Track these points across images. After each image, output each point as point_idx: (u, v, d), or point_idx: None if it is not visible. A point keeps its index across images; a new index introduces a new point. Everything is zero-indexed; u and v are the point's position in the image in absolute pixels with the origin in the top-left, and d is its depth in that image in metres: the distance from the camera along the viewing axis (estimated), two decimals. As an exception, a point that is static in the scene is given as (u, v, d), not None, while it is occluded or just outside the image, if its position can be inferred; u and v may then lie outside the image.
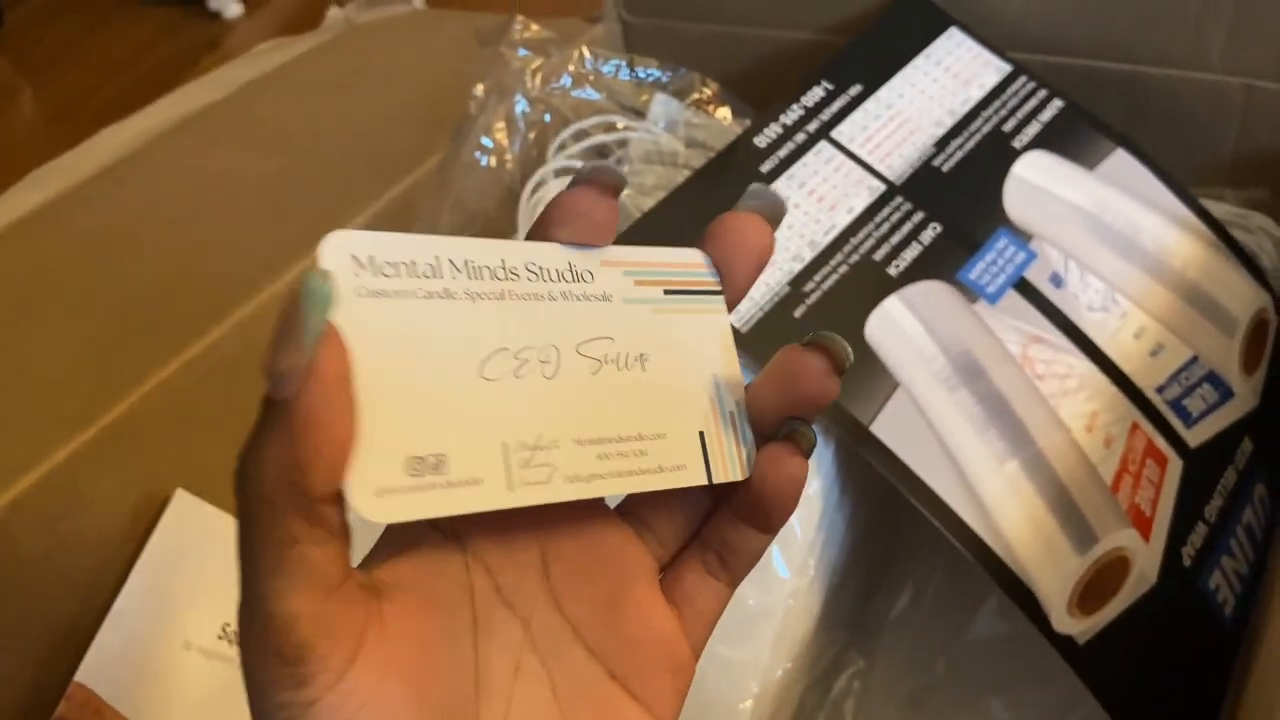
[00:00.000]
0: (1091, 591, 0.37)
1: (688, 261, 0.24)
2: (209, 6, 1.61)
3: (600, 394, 0.22)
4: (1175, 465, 0.41)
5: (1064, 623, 0.36)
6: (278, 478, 0.17)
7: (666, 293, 0.23)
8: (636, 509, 0.24)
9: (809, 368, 0.22)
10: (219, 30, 1.60)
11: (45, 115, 1.46)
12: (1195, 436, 0.42)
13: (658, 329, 0.23)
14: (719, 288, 0.24)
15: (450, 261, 0.21)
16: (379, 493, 0.18)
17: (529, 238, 0.23)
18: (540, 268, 0.22)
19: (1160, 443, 0.41)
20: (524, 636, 0.22)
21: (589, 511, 0.23)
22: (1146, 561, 0.38)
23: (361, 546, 0.21)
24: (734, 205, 0.24)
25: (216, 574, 0.41)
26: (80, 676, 0.38)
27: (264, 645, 0.18)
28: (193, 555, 0.41)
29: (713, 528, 0.24)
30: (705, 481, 0.23)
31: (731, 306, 0.24)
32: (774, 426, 0.23)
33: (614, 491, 0.22)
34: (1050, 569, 0.36)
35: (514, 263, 0.22)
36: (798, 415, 0.23)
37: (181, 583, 0.40)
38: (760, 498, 0.23)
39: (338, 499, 0.18)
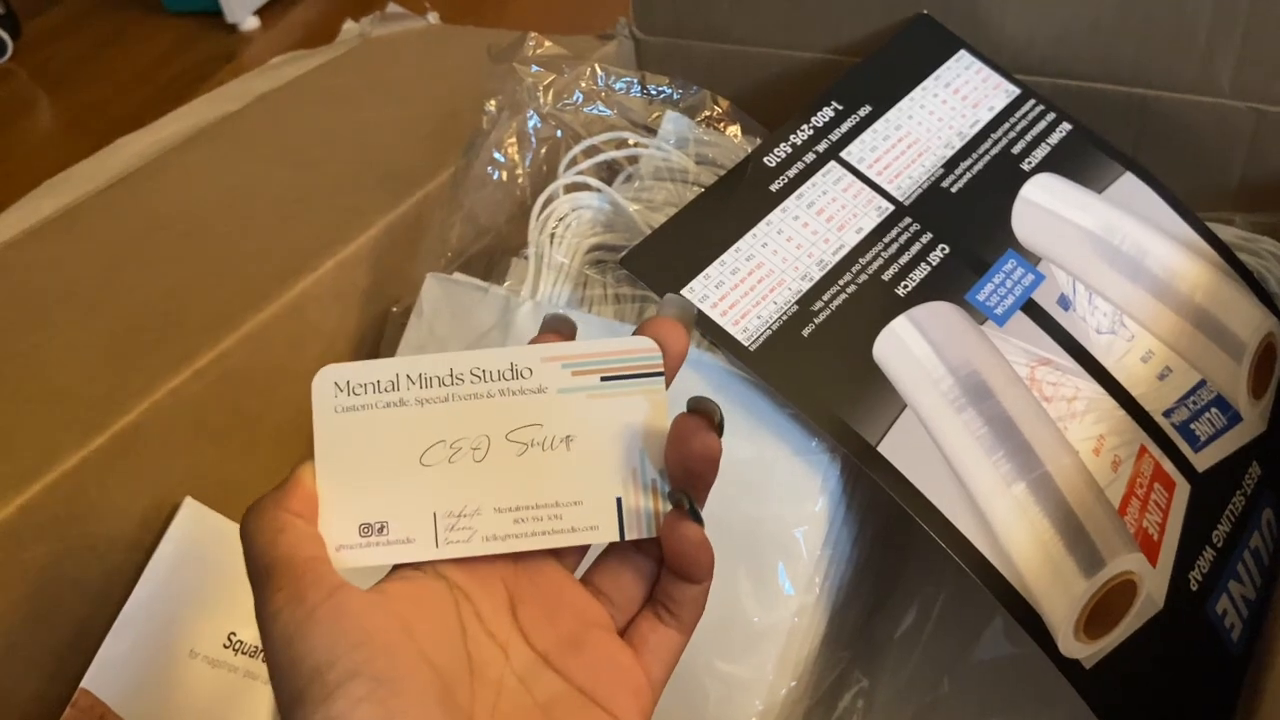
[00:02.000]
0: (1098, 615, 0.36)
1: (634, 348, 0.28)
2: (226, 19, 1.62)
3: (523, 471, 0.27)
4: (1183, 489, 0.41)
5: (1070, 646, 0.35)
6: (270, 503, 0.26)
7: (603, 379, 0.28)
8: (593, 578, 0.29)
9: (690, 429, 0.27)
10: (235, 43, 1.61)
11: (62, 125, 1.48)
12: (1203, 461, 0.42)
13: (587, 412, 0.28)
14: (659, 369, 0.28)
15: (407, 377, 0.27)
16: (338, 548, 0.26)
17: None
18: (484, 371, 0.28)
19: (1168, 466, 0.41)
20: (504, 658, 0.26)
21: (549, 571, 0.28)
22: (1153, 586, 0.38)
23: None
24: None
25: (223, 583, 0.41)
26: (87, 683, 0.38)
27: (269, 586, 0.24)
28: (200, 564, 0.41)
29: (659, 585, 0.28)
30: (618, 538, 0.27)
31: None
32: (684, 484, 0.27)
33: (527, 548, 0.27)
34: (1057, 592, 0.36)
35: (460, 370, 0.28)
36: (692, 473, 0.27)
37: (188, 591, 0.40)
38: (671, 556, 0.27)
39: (309, 525, 0.26)
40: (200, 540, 0.41)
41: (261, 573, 0.24)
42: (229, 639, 0.41)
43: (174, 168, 0.56)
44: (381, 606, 0.25)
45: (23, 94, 1.53)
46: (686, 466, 0.27)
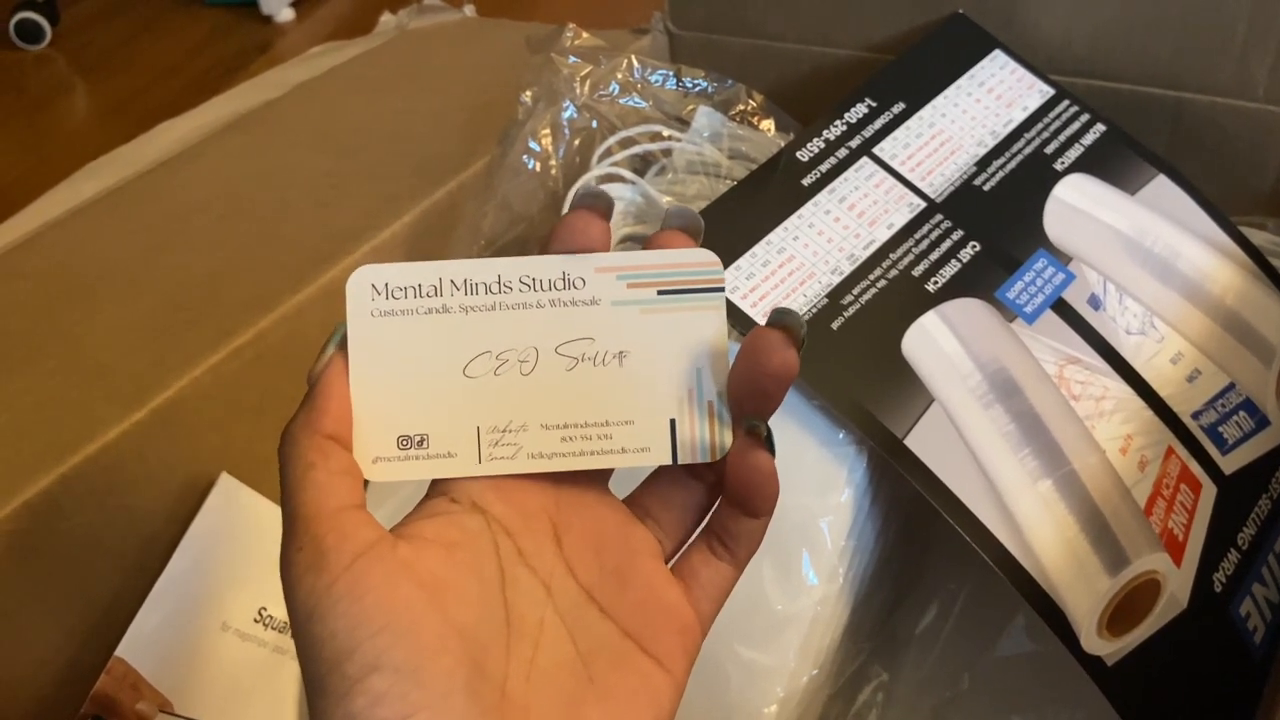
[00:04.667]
0: (1121, 613, 0.37)
1: (694, 261, 0.26)
2: (261, 10, 1.64)
3: (572, 387, 0.26)
4: (1209, 491, 0.41)
5: (1093, 643, 0.36)
6: (303, 426, 0.24)
7: (660, 293, 0.26)
8: (641, 501, 0.27)
9: (770, 342, 0.25)
10: (270, 34, 1.63)
11: (98, 112, 1.50)
12: (1230, 463, 0.42)
13: (642, 327, 0.26)
14: (720, 284, 0.26)
15: (451, 282, 0.26)
16: (375, 460, 0.25)
17: (540, 254, 0.27)
18: (534, 279, 0.26)
19: (1195, 468, 0.41)
20: (546, 595, 0.25)
21: (595, 497, 0.27)
22: (1178, 586, 0.38)
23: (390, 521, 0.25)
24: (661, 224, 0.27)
25: (257, 558, 0.42)
26: (121, 651, 0.39)
27: (290, 547, 0.23)
28: (234, 538, 0.42)
29: (715, 515, 0.27)
30: (670, 462, 0.26)
31: None
32: (749, 407, 0.25)
33: (574, 467, 0.26)
34: (1081, 589, 0.36)
35: (509, 277, 0.26)
36: (763, 393, 0.25)
37: (222, 565, 0.41)
38: (736, 486, 0.25)
39: (344, 449, 0.25)
40: (235, 515, 0.42)
41: (287, 517, 0.23)
42: (260, 614, 0.42)
43: (214, 152, 0.57)
44: (407, 573, 0.23)
45: (60, 80, 1.56)
46: (759, 386, 0.25)
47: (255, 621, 0.42)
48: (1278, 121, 0.49)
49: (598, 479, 0.27)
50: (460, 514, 0.25)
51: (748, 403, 0.26)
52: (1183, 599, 0.38)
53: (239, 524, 0.42)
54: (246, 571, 0.42)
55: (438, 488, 0.26)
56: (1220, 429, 0.42)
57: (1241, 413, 0.43)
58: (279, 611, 0.42)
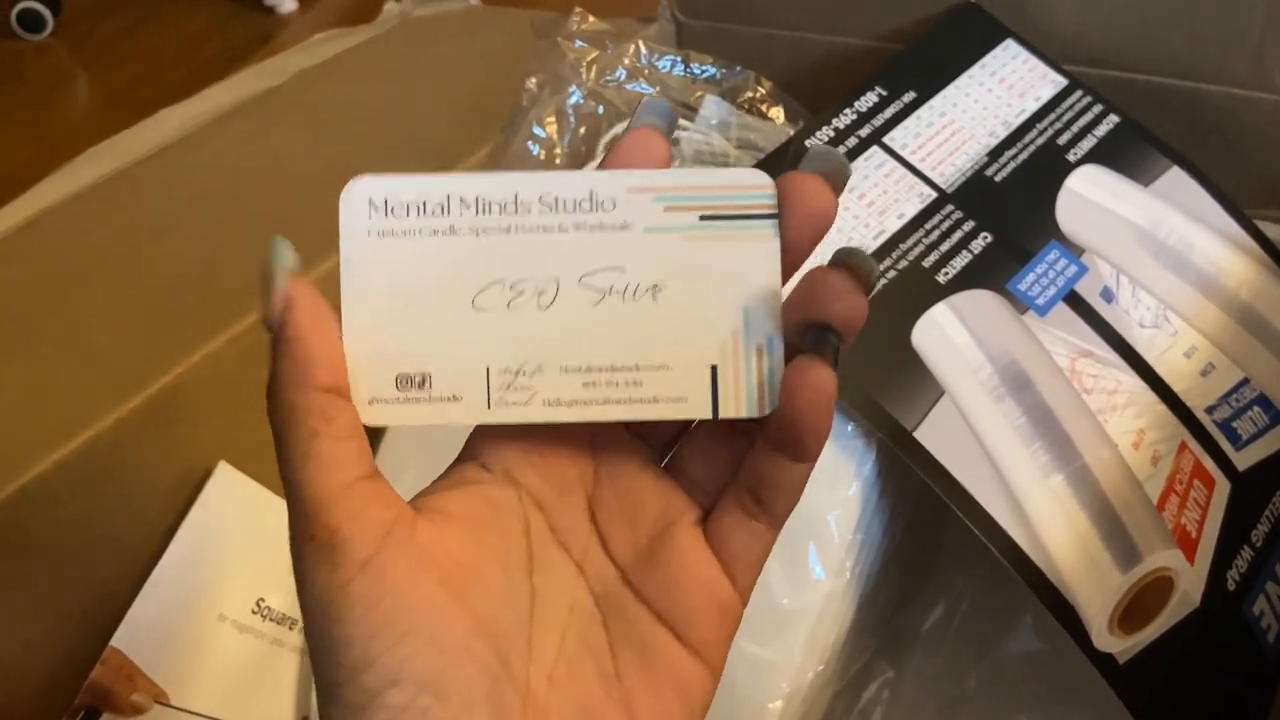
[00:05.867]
0: (1134, 610, 0.36)
1: (744, 183, 0.23)
2: (264, 0, 1.63)
3: (598, 324, 0.23)
4: (1223, 487, 0.40)
5: (1105, 640, 0.35)
6: (292, 383, 0.21)
7: (703, 218, 0.23)
8: (676, 458, 0.24)
9: (834, 287, 0.22)
10: (273, 24, 1.62)
11: (99, 102, 1.49)
12: (1244, 459, 0.41)
13: (681, 257, 0.23)
14: (772, 211, 0.23)
15: (461, 199, 0.22)
16: (370, 401, 0.22)
17: None
18: (556, 199, 0.23)
19: (1208, 464, 0.40)
20: (579, 577, 0.23)
21: (627, 459, 0.24)
22: (1190, 583, 0.37)
23: (415, 487, 0.23)
24: (796, 167, 0.23)
25: (254, 548, 0.41)
26: (116, 641, 0.38)
27: (300, 534, 0.21)
28: (232, 528, 0.41)
29: (747, 464, 0.23)
30: (709, 415, 0.23)
31: (786, 277, 0.23)
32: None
33: (595, 418, 0.23)
34: (1092, 585, 0.35)
35: (527, 196, 0.23)
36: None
37: (219, 555, 0.41)
38: (788, 418, 0.21)
39: (346, 401, 0.21)
40: (232, 504, 0.42)
41: (293, 499, 0.21)
42: (258, 604, 0.41)
43: (215, 139, 0.56)
44: (428, 565, 0.21)
45: (62, 69, 1.55)
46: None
47: (253, 613, 0.41)
48: (1293, 114, 0.48)
49: (639, 444, 0.24)
50: (491, 485, 0.23)
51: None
52: (1196, 597, 0.37)
53: (237, 514, 0.41)
54: (244, 562, 0.41)
55: (470, 449, 0.24)
56: (1234, 424, 0.41)
57: (1256, 408, 0.42)
58: (277, 603, 0.42)
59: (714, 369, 0.23)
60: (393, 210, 0.22)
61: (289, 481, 0.21)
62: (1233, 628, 0.38)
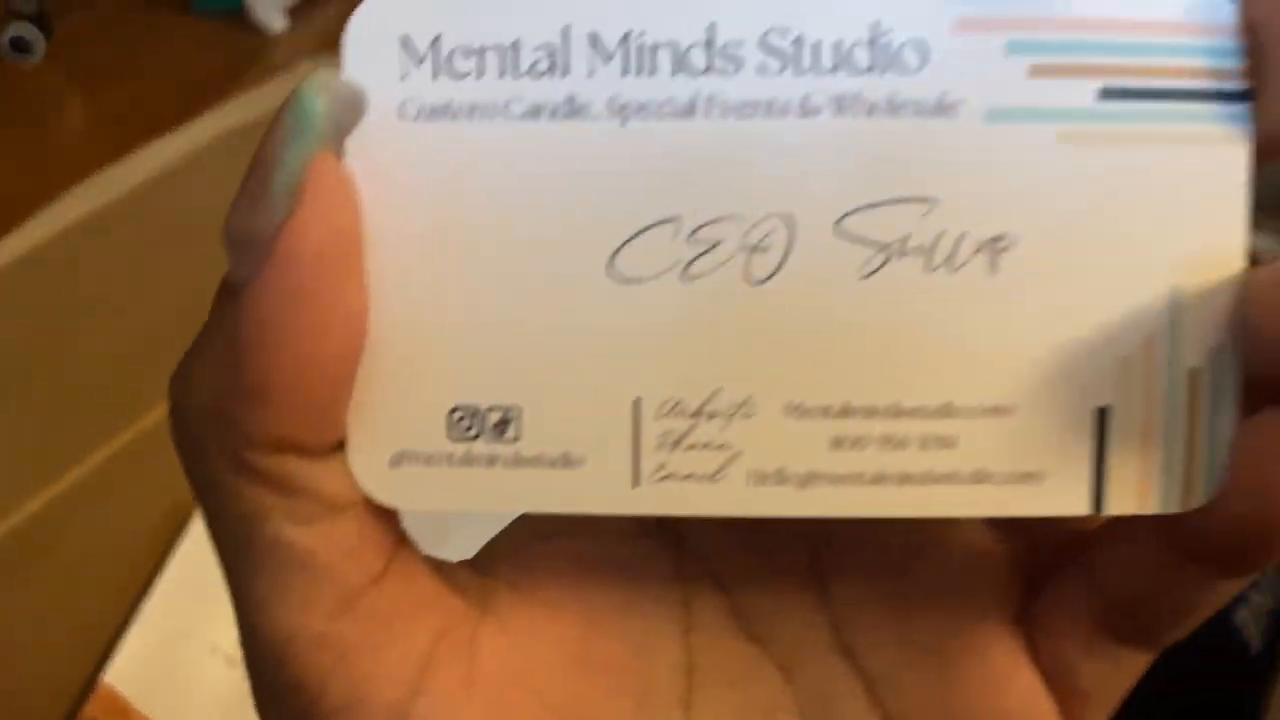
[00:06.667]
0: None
1: (1174, 20, 0.12)
2: (253, 20, 1.64)
3: (871, 318, 0.12)
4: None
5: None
6: (217, 416, 0.11)
7: (1105, 94, 0.12)
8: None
9: None
10: (262, 44, 1.62)
11: (93, 124, 1.49)
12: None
13: (1057, 178, 0.12)
14: (1241, 86, 0.11)
15: (588, 38, 0.11)
16: (395, 460, 0.12)
17: None
18: (797, 42, 0.11)
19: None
20: (784, 691, 0.13)
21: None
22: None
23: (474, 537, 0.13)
24: None
25: (244, 580, 0.41)
26: (108, 677, 0.38)
27: (260, 678, 0.12)
28: (221, 561, 0.41)
29: (1122, 557, 0.13)
30: (1086, 511, 0.12)
31: (1271, 142, 0.12)
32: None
33: (849, 513, 0.12)
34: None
35: (729, 38, 0.11)
36: None
37: (210, 588, 0.41)
38: (1238, 507, 0.12)
39: (331, 449, 0.11)
40: (222, 537, 0.42)
41: (245, 637, 0.12)
42: (249, 635, 0.42)
43: (204, 172, 0.57)
44: None
45: (55, 92, 1.56)
46: None
47: (245, 644, 0.41)
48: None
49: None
50: (623, 541, 0.13)
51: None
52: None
53: (227, 546, 0.42)
54: (235, 594, 0.41)
55: None
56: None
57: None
58: (269, 633, 0.42)
59: (1102, 414, 0.12)
60: (451, 62, 0.12)
61: (231, 586, 0.13)
62: (1217, 639, 0.38)
